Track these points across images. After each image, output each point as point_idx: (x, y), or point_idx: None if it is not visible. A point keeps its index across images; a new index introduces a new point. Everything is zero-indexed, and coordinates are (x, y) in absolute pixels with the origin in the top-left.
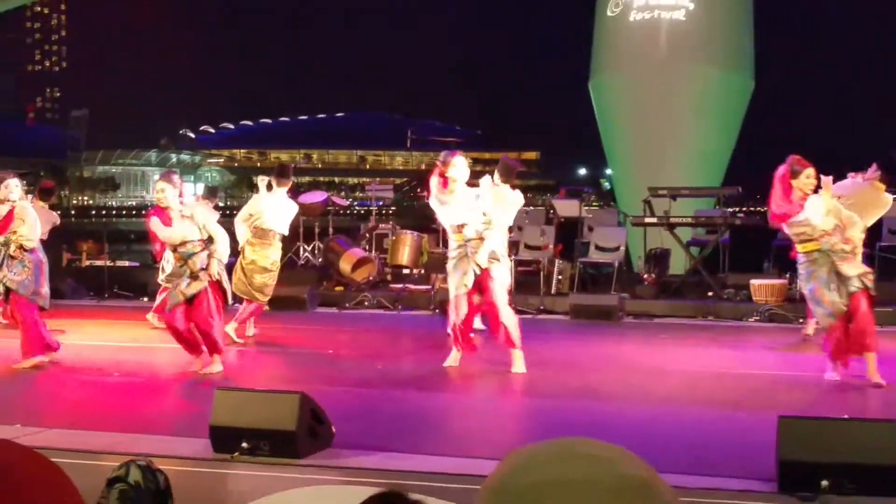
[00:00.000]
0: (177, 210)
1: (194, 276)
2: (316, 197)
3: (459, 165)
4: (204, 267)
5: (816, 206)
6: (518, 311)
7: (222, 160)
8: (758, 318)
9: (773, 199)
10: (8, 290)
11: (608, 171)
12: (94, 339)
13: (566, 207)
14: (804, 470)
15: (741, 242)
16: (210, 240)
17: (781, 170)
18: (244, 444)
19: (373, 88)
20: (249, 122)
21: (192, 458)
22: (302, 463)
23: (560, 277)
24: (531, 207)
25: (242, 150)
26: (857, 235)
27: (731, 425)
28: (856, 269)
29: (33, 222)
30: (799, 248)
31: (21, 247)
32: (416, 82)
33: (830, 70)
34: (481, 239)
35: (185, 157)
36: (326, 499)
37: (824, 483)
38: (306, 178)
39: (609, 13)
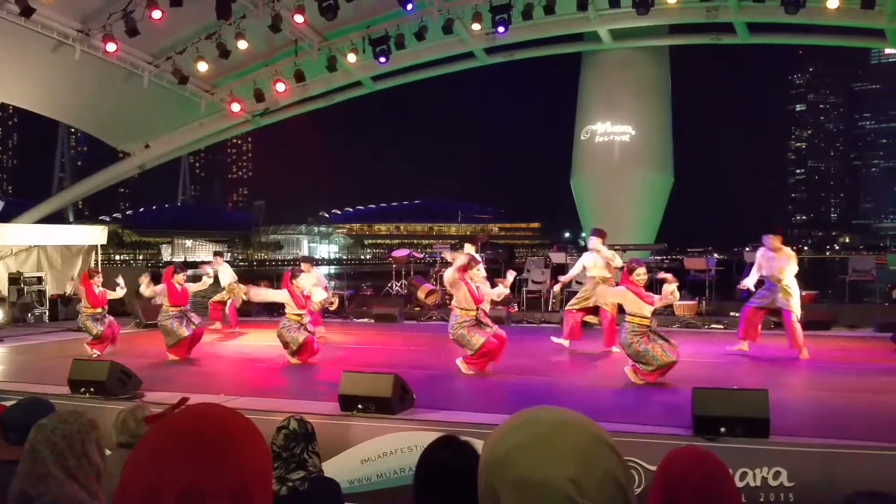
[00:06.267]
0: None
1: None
2: (403, 252)
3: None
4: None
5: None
6: (527, 322)
7: (344, 230)
8: (678, 325)
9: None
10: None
11: (583, 234)
12: (267, 341)
13: (557, 257)
14: (709, 421)
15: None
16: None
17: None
18: (359, 406)
19: (437, 183)
20: (361, 207)
21: (327, 414)
22: (395, 417)
23: (554, 300)
24: (535, 258)
25: (356, 224)
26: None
27: (662, 392)
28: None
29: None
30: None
31: None
32: (463, 178)
33: (719, 171)
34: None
35: (322, 228)
36: (410, 440)
37: (722, 429)
38: (396, 241)
39: (582, 137)
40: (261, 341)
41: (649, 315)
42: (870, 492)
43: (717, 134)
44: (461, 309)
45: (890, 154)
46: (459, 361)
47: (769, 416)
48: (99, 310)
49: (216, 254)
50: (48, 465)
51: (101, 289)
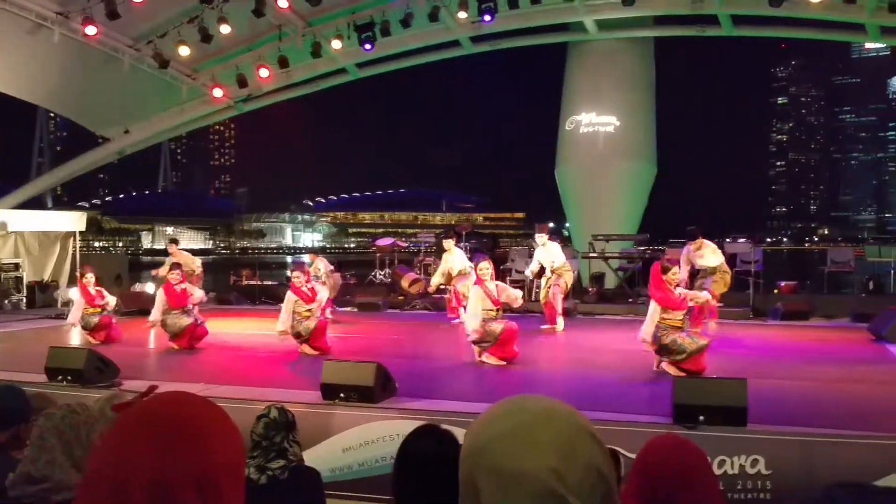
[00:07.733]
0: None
1: None
2: (386, 241)
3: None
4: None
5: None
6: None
7: (328, 219)
8: None
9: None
10: None
11: (567, 224)
12: (247, 329)
13: None
14: (689, 410)
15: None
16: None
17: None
18: (341, 395)
19: (421, 172)
20: (346, 195)
21: (309, 403)
22: (376, 406)
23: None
24: (520, 247)
25: (340, 213)
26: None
27: (644, 382)
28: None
29: None
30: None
31: None
32: (448, 168)
33: (702, 162)
34: None
35: (305, 217)
36: (391, 429)
37: (701, 417)
38: (381, 230)
39: (567, 127)
40: (243, 330)
41: (680, 317)
42: (849, 483)
43: (700, 125)
44: (483, 309)
45: (869, 147)
46: (485, 356)
47: (747, 405)
48: (97, 310)
49: (172, 241)
50: (55, 453)
51: (97, 288)
